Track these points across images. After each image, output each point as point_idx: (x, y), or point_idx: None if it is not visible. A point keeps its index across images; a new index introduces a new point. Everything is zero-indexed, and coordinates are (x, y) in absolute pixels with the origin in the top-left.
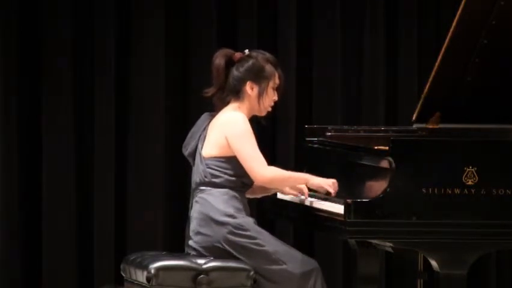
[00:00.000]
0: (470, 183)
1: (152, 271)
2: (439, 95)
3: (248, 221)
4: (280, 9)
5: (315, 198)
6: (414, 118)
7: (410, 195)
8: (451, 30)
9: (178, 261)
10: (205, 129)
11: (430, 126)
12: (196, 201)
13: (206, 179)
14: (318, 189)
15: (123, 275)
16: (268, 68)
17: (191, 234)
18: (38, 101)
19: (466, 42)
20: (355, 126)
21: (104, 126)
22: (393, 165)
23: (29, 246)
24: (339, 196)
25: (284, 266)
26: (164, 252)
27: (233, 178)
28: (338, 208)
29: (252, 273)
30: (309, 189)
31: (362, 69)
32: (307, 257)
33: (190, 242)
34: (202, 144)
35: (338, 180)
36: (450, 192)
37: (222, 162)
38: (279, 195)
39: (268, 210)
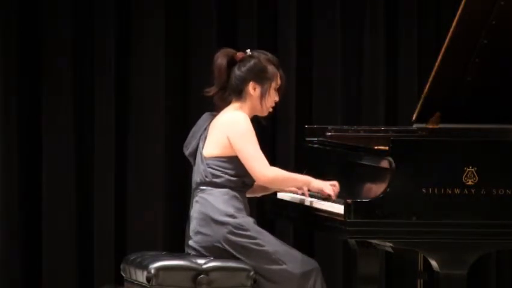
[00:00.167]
0: (470, 183)
1: (152, 271)
2: (439, 95)
3: (248, 221)
4: (280, 9)
5: (315, 198)
6: (414, 118)
7: (410, 195)
8: (451, 30)
9: (178, 261)
10: (206, 128)
11: (430, 126)
12: (196, 201)
13: (207, 179)
14: (318, 193)
15: (123, 275)
16: (271, 68)
17: (191, 234)
18: (38, 101)
19: (466, 42)
20: (355, 126)
21: (104, 126)
22: (393, 165)
23: (29, 246)
24: (339, 196)
25: (284, 266)
26: (164, 252)
27: (234, 178)
28: (338, 208)
29: (252, 273)
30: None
31: (362, 69)
32: (307, 257)
33: (190, 242)
34: (203, 144)
35: (338, 181)
36: (450, 192)
37: (223, 162)
38: (279, 195)
39: (268, 210)
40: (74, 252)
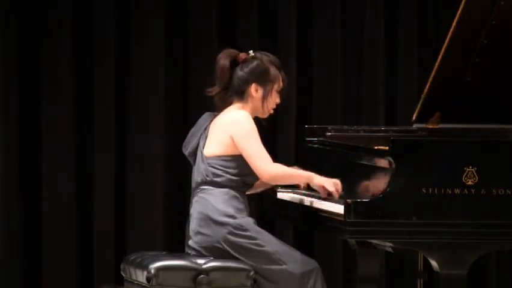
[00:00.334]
0: (470, 183)
1: (152, 271)
2: (439, 95)
3: (248, 221)
4: (280, 9)
5: (315, 197)
6: (414, 118)
7: (410, 195)
8: (451, 30)
9: (178, 261)
10: (206, 128)
11: (430, 126)
12: (196, 201)
13: (208, 178)
14: (319, 191)
15: (123, 275)
16: (273, 70)
17: (191, 234)
18: (38, 101)
19: (466, 42)
20: (355, 126)
21: (104, 126)
22: (393, 165)
23: (29, 246)
24: (339, 196)
25: (284, 266)
26: (164, 252)
27: (235, 177)
28: (338, 208)
29: (252, 273)
30: (311, 189)
31: (362, 69)
32: (307, 257)
33: (190, 242)
34: (204, 144)
35: None
36: (450, 192)
37: (225, 161)
38: (279, 195)
39: (268, 210)
40: (74, 252)
